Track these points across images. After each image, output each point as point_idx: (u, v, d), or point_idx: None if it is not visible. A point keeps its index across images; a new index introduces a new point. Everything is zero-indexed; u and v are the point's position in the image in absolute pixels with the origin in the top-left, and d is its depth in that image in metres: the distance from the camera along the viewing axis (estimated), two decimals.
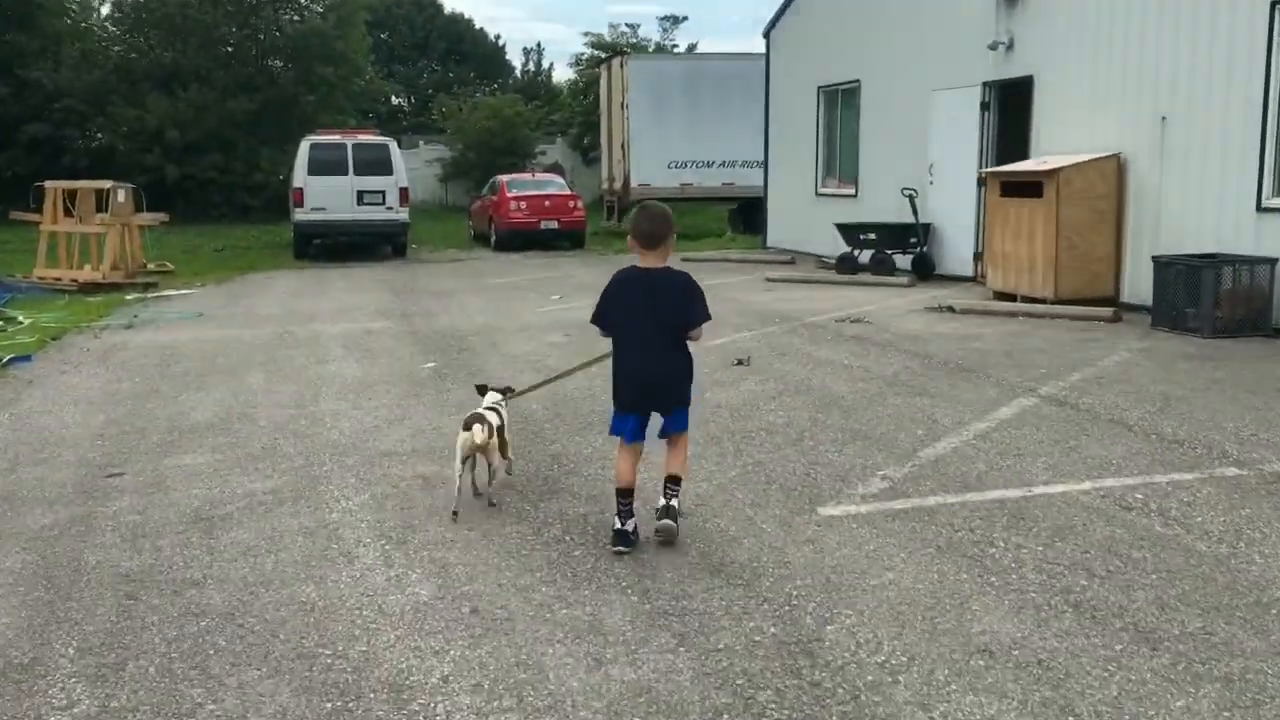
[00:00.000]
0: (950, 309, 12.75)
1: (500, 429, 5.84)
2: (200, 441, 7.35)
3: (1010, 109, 15.50)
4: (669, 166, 28.43)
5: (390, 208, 22.54)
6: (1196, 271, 10.62)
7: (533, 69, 67.07)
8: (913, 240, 16.34)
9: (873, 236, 16.47)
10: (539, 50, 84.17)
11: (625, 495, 5.07)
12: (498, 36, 66.17)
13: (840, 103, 20.02)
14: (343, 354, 10.77)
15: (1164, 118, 12.18)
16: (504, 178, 27.01)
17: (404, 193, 22.69)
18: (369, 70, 42.83)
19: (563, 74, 60.21)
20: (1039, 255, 12.97)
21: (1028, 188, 13.15)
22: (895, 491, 5.94)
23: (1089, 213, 12.76)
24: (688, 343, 5.12)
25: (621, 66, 28.72)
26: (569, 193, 26.38)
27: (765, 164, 23.16)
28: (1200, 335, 10.52)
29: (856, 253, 16.86)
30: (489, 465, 5.90)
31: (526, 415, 7.84)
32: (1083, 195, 12.69)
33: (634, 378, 5.09)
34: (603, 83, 31.13)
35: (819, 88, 20.49)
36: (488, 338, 11.60)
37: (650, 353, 5.04)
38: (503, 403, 6.11)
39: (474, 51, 61.89)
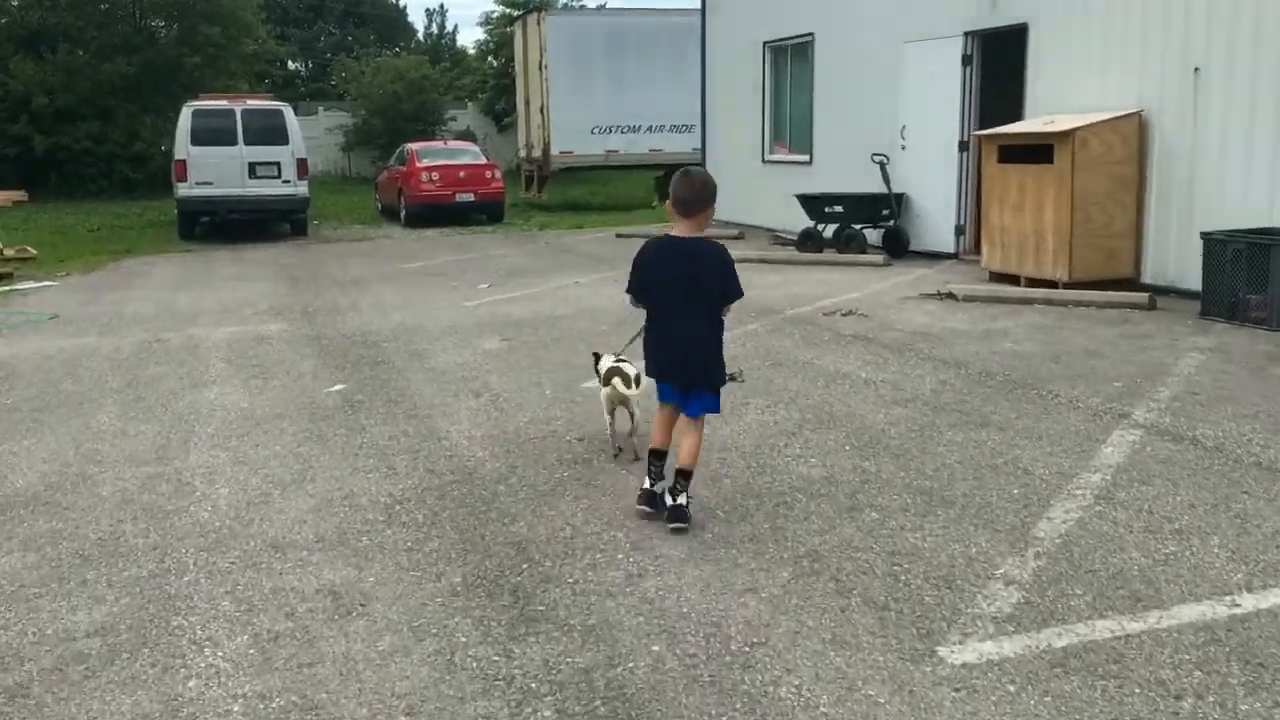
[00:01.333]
0: (951, 295, 10.92)
1: (637, 378, 5.81)
2: (9, 532, 5.16)
3: (996, 63, 13.70)
4: (593, 132, 26.31)
5: (287, 181, 20.09)
6: (1265, 251, 8.89)
7: (436, 31, 64.17)
8: (884, 213, 14.50)
9: (839, 209, 14.59)
10: (443, 12, 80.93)
11: (658, 457, 5.03)
12: None
13: (790, 59, 18.07)
14: (226, 372, 8.55)
15: (1197, 69, 10.43)
16: (413, 146, 24.61)
17: (302, 164, 20.23)
18: (261, 31, 39.81)
19: (470, 35, 57.43)
20: (1048, 230, 11.19)
21: (1034, 152, 11.34)
22: (1038, 610, 4.02)
23: (1107, 181, 10.99)
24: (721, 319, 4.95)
25: (538, 24, 26.41)
26: (485, 162, 24.10)
27: (703, 129, 21.14)
28: (1269, 327, 8.82)
29: (821, 227, 14.96)
30: (631, 415, 5.91)
31: (470, 469, 5.78)
32: (1100, 160, 10.92)
33: (664, 351, 4.93)
34: (517, 42, 28.79)
35: (764, 43, 18.52)
36: (408, 344, 9.46)
37: (681, 326, 4.85)
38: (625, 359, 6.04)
39: (374, 13, 58.65)
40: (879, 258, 13.90)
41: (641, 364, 5.35)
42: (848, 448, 6.03)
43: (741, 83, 19.21)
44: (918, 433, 6.25)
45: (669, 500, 4.91)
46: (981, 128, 13.60)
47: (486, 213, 23.29)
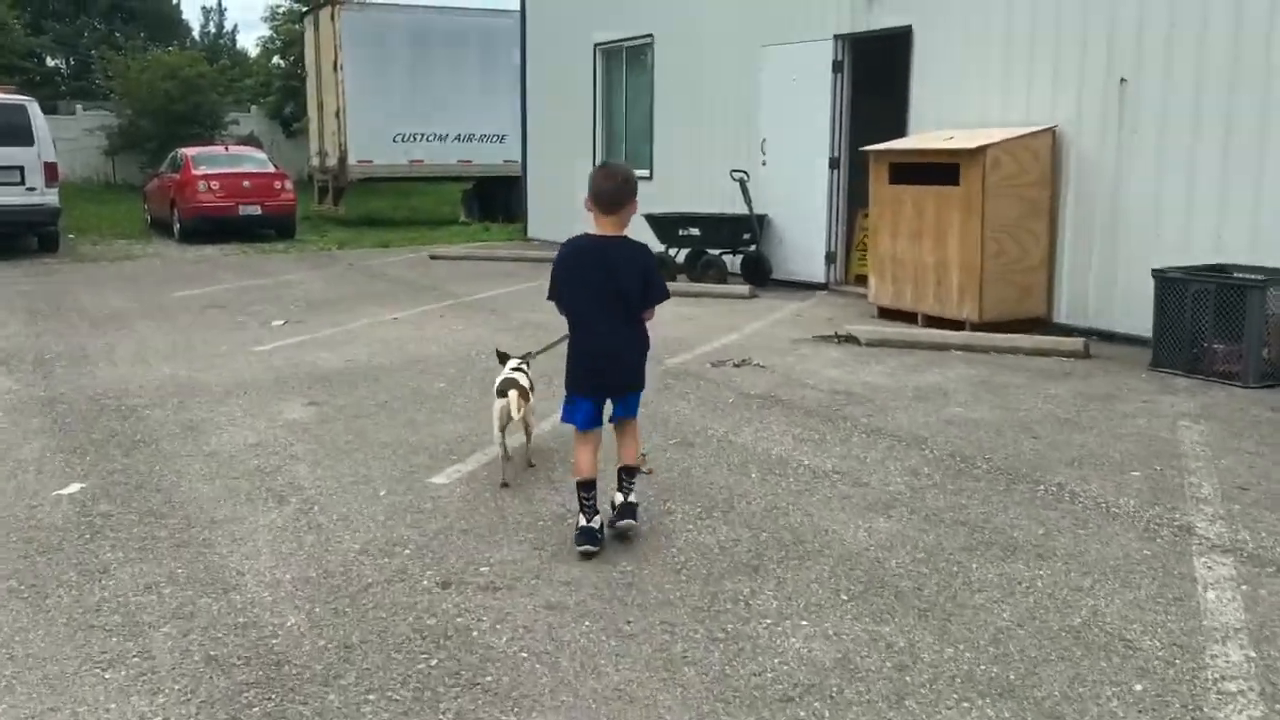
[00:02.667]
0: (852, 339, 9.25)
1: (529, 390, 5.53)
2: None
3: (872, 72, 12.23)
4: (395, 140, 23.90)
5: (32, 188, 16.92)
6: (1239, 294, 7.52)
7: (214, 30, 59.90)
8: (745, 237, 12.82)
9: (695, 232, 12.82)
10: (220, 10, 75.91)
11: (587, 488, 4.57)
12: None
13: (626, 64, 16.26)
14: None
15: (1124, 79, 9.10)
16: (188, 151, 21.59)
17: (51, 168, 17.10)
18: (15, 24, 35.49)
19: (251, 37, 53.53)
20: (953, 263, 9.69)
21: (935, 172, 9.83)
22: None
23: (1019, 206, 9.57)
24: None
25: (332, 19, 23.76)
26: (274, 170, 21.34)
27: (523, 139, 19.13)
28: (1243, 383, 7.46)
29: (673, 253, 13.16)
30: (526, 428, 5.60)
31: (277, 656, 3.61)
32: (1012, 183, 9.49)
33: (592, 358, 4.58)
34: (308, 39, 26.04)
35: (596, 46, 16.66)
36: (179, 411, 7.09)
37: (607, 331, 4.54)
38: (526, 366, 5.79)
39: (143, 8, 54.04)
40: (743, 288, 12.19)
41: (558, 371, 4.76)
42: (844, 597, 4.14)
43: (569, 89, 17.29)
44: (929, 567, 4.43)
45: (618, 499, 4.73)
46: (854, 143, 12.13)
47: (275, 228, 20.57)
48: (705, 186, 14.33)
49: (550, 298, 4.68)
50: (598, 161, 16.72)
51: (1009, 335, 9.07)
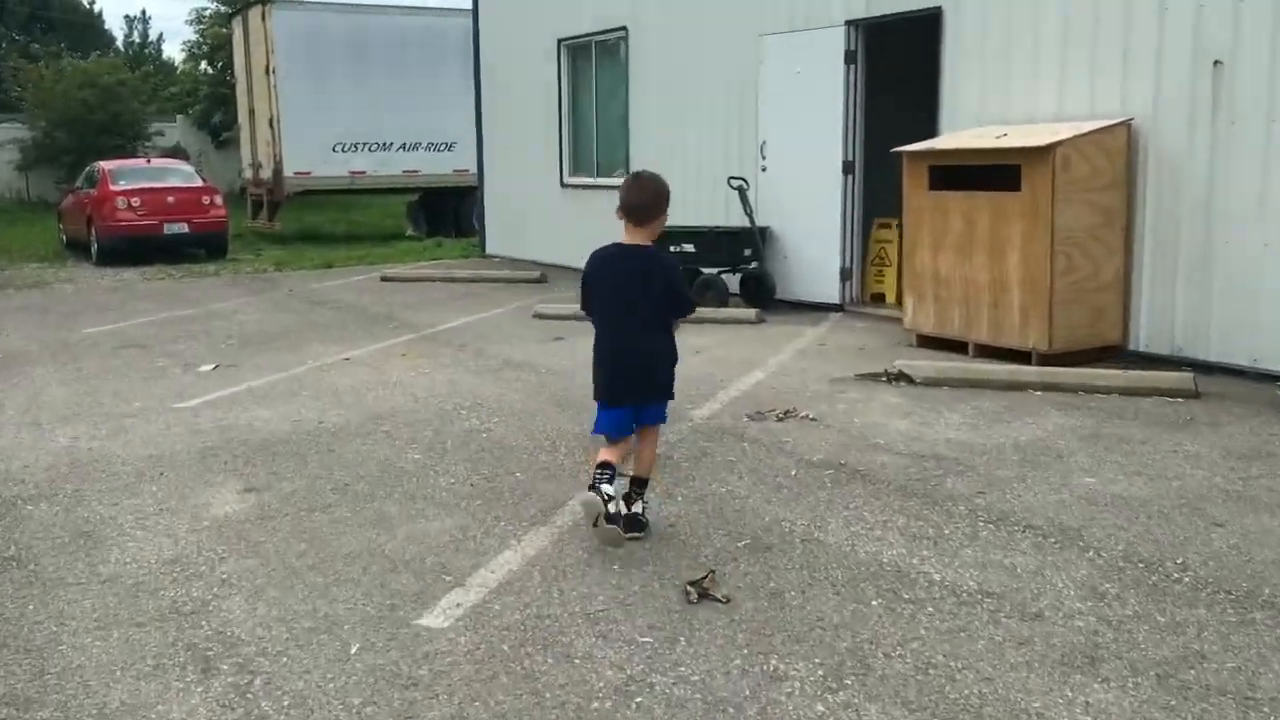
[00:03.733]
0: (904, 377, 7.70)
1: None
2: None
3: (889, 62, 10.75)
4: (335, 149, 22.16)
5: None
6: None
7: (139, 40, 57.41)
8: (747, 252, 11.26)
9: (689, 249, 11.23)
10: (144, 19, 72.95)
11: (605, 466, 4.44)
12: (92, 1, 55.56)
13: (596, 61, 14.64)
14: None
15: (1219, 61, 7.66)
16: (106, 165, 19.60)
17: None
18: None
19: (176, 43, 51.13)
20: (1014, 282, 8.20)
21: (989, 175, 8.34)
22: None
23: (1091, 213, 8.10)
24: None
25: (263, 19, 21.95)
26: (202, 184, 19.43)
27: (479, 147, 17.43)
28: None
29: None
30: None
31: None
32: (1084, 186, 8.02)
33: (619, 368, 4.55)
34: (237, 41, 24.19)
35: (560, 41, 15.04)
36: (73, 505, 5.37)
37: (632, 340, 4.53)
38: None
39: (63, 19, 51.50)
40: (748, 312, 10.63)
41: None
42: None
43: (530, 91, 15.64)
44: None
45: (623, 509, 4.54)
46: (869, 145, 10.64)
47: (205, 247, 18.70)
48: (692, 196, 12.73)
49: (583, 308, 4.73)
50: (566, 170, 15.11)
51: (1093, 370, 7.58)
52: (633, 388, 4.58)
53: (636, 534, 4.55)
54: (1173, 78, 7.94)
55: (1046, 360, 8.02)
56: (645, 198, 4.52)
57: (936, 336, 8.90)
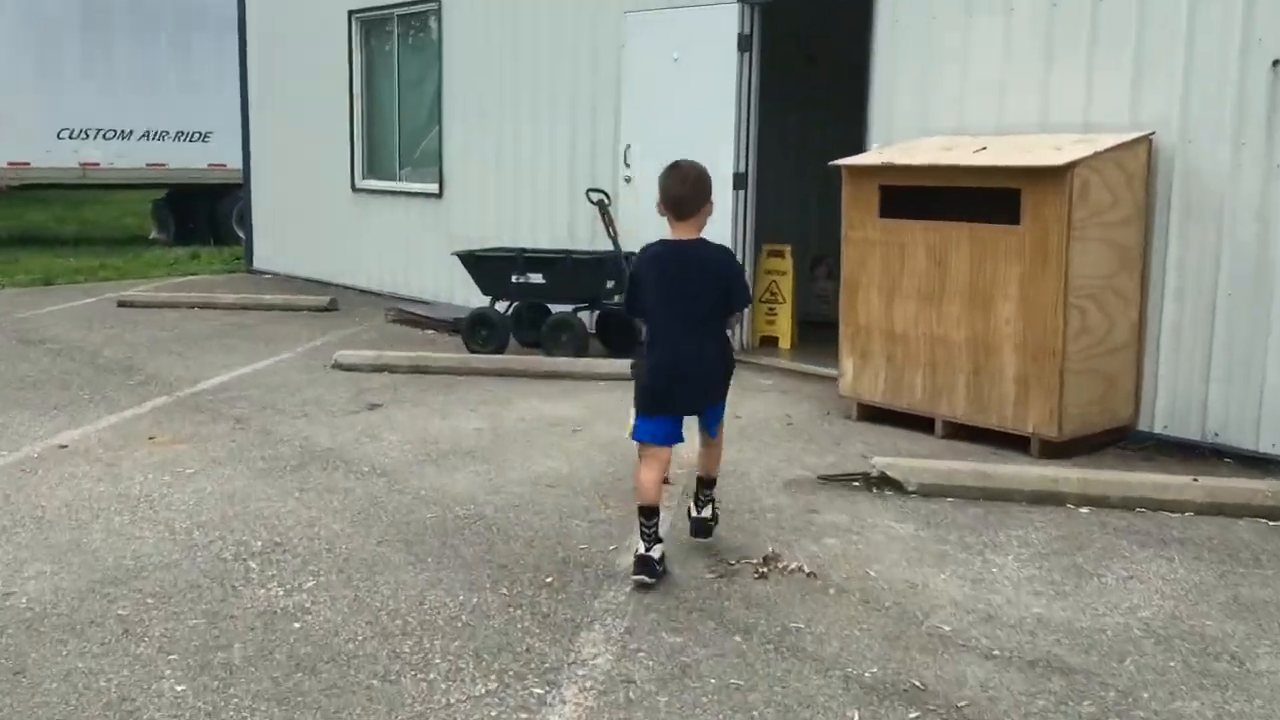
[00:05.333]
0: (889, 482, 5.51)
1: None
2: None
3: (791, 50, 8.64)
4: (61, 136, 18.39)
5: None
6: None
7: None
8: (610, 285, 8.89)
9: (537, 279, 8.75)
10: None
11: (650, 515, 4.18)
12: None
13: (398, 40, 11.95)
14: None
15: (1278, 62, 5.85)
16: None
17: None
18: None
19: None
20: (1006, 343, 6.17)
21: (967, 202, 6.29)
22: None
23: (1110, 256, 6.16)
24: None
25: None
26: None
27: (245, 141, 14.32)
28: None
29: (502, 309, 9.05)
30: None
31: None
32: (1102, 219, 6.06)
33: (668, 370, 4.28)
34: None
35: (352, 14, 12.27)
36: None
37: (686, 341, 4.26)
38: None
39: None
40: (619, 363, 8.25)
41: None
42: None
43: (312, 73, 12.79)
44: None
45: (693, 512, 4.58)
46: (764, 154, 8.55)
47: None
48: (527, 210, 10.32)
49: (630, 310, 4.57)
50: (359, 172, 12.36)
51: (1145, 476, 5.61)
52: (688, 396, 4.34)
53: (705, 538, 4.53)
54: (1210, 80, 6.08)
55: (1050, 450, 6.03)
56: (687, 188, 4.26)
57: (887, 408, 6.80)
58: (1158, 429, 6.38)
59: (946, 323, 6.43)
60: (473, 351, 8.83)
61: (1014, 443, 6.20)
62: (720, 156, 8.54)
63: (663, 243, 4.35)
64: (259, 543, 4.67)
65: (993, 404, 6.27)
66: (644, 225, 8.97)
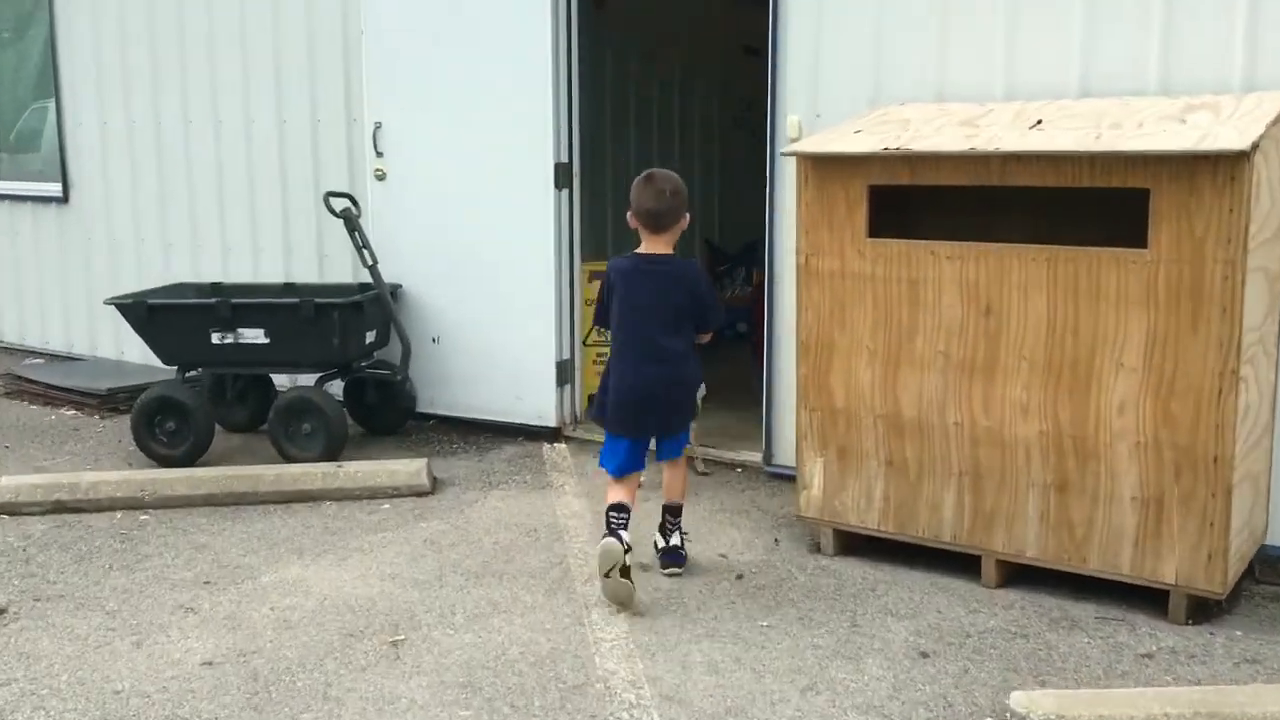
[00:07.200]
0: None
1: None
2: None
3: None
4: None
5: None
6: None
7: None
8: (370, 337, 5.80)
9: (256, 336, 5.49)
10: None
11: (620, 509, 3.96)
12: None
13: None
14: None
15: None
16: None
17: None
18: None
19: None
20: (1117, 442, 3.76)
21: (1024, 209, 3.85)
22: None
23: (1265, 291, 3.85)
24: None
25: None
26: None
27: None
28: None
29: (190, 382, 5.74)
30: None
31: None
32: (1261, 234, 3.74)
33: (634, 391, 4.04)
34: None
35: None
36: None
37: (654, 362, 4.03)
38: None
39: None
40: (404, 468, 5.21)
41: None
42: None
43: None
44: None
45: (660, 542, 4.29)
46: (589, 139, 5.86)
47: None
48: (212, 222, 7.01)
49: (596, 323, 4.30)
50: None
51: None
52: (648, 418, 4.09)
53: (676, 569, 4.20)
54: None
55: (1202, 611, 3.71)
56: (663, 202, 3.97)
57: (887, 538, 4.25)
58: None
59: (1002, 408, 3.95)
60: (154, 457, 5.51)
61: (1133, 598, 3.84)
62: (531, 142, 5.70)
63: (634, 256, 4.11)
64: None
65: (1094, 539, 3.85)
66: (413, 244, 6.00)
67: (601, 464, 4.18)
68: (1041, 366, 3.87)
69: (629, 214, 4.07)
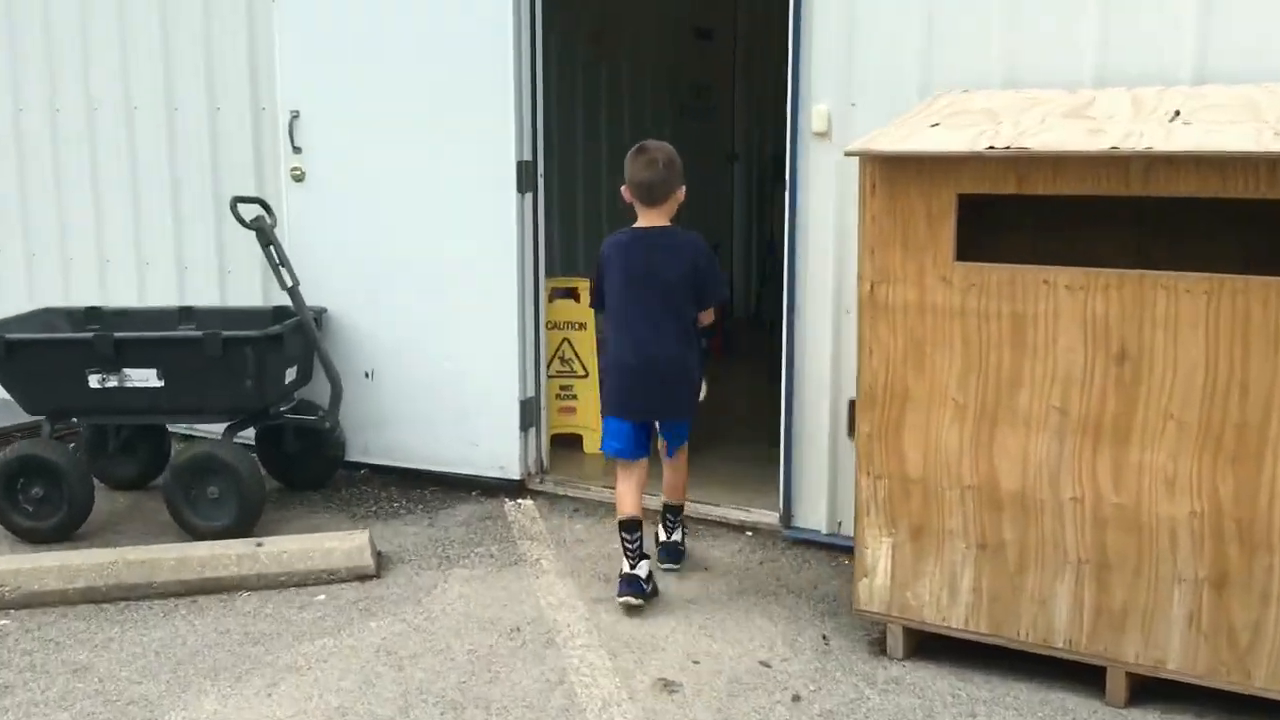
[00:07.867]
0: None
1: None
2: None
3: None
4: None
5: None
6: None
7: None
8: (290, 375, 4.71)
9: (146, 379, 4.38)
10: None
11: (631, 529, 3.81)
12: None
13: None
14: None
15: None
16: None
17: None
18: None
19: None
20: None
21: (1185, 225, 2.98)
22: None
23: None
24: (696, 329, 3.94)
25: None
26: None
27: None
28: None
29: (61, 435, 4.58)
30: None
31: None
32: None
33: (630, 372, 3.88)
34: None
35: None
36: None
37: (648, 340, 3.83)
38: None
39: None
40: (342, 542, 4.16)
41: None
42: None
43: None
44: None
45: (661, 536, 4.19)
46: (552, 135, 4.89)
47: None
48: (70, 232, 5.82)
49: (592, 303, 4.12)
50: None
51: None
52: (650, 398, 3.91)
53: (673, 564, 4.13)
54: None
55: None
56: (656, 172, 3.80)
57: (977, 640, 3.37)
58: None
59: (1139, 481, 3.08)
60: (16, 532, 4.36)
61: None
62: (487, 136, 4.68)
63: (632, 229, 3.91)
64: None
65: (1262, 648, 3.01)
66: (342, 259, 4.93)
67: (602, 448, 4.08)
68: (1195, 429, 3.00)
69: (623, 188, 3.89)
